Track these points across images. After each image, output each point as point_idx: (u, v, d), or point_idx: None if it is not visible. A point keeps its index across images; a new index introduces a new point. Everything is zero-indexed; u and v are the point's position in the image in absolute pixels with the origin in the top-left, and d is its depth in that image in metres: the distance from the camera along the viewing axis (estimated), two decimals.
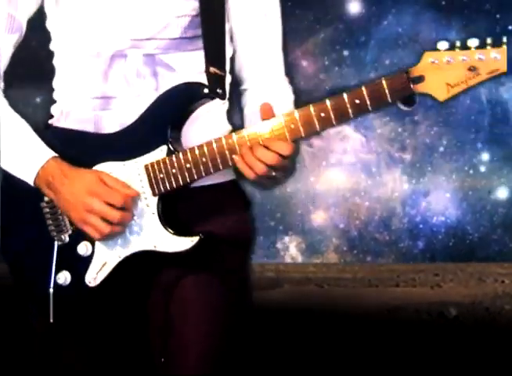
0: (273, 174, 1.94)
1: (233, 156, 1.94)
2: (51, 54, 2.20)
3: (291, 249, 10.53)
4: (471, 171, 9.70)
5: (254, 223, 2.24)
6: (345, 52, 9.47)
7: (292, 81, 2.23)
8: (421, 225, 9.98)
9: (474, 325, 6.39)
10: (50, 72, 2.23)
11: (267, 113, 1.94)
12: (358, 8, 9.26)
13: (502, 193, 9.74)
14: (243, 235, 2.18)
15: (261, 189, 2.06)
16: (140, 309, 2.12)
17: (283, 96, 2.19)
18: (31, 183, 2.04)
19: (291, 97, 2.20)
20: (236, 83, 2.21)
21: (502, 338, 5.68)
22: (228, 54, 2.17)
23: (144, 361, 2.14)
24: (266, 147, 1.92)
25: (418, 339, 5.58)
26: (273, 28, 2.19)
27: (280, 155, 1.91)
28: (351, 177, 9.84)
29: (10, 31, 2.11)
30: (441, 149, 9.69)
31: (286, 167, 1.96)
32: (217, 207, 2.10)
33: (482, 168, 9.70)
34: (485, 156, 9.66)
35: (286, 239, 10.57)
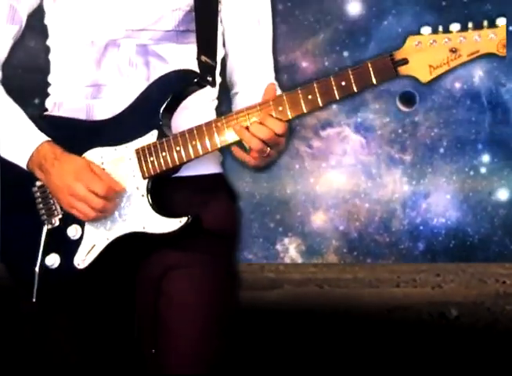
0: (268, 150, 2.00)
1: (234, 126, 2.00)
2: (47, 50, 2.25)
3: (291, 251, 10.52)
4: (472, 173, 9.68)
5: (241, 216, 2.29)
6: (345, 53, 9.46)
7: (280, 85, 2.25)
8: (421, 227, 9.95)
9: (476, 326, 6.36)
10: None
11: (269, 92, 2.02)
12: (358, 8, 9.24)
13: (502, 195, 9.72)
14: (229, 226, 2.22)
15: (254, 170, 2.11)
16: (128, 292, 2.17)
17: None
18: (24, 166, 2.10)
19: None
20: (228, 87, 2.30)
21: (503, 338, 5.66)
22: (220, 54, 2.24)
23: (132, 345, 2.18)
24: (261, 123, 1.98)
25: (419, 340, 5.57)
26: (265, 33, 2.26)
27: (275, 133, 1.98)
28: (351, 178, 9.82)
29: (11, 22, 2.16)
30: (442, 150, 9.67)
31: (281, 144, 2.03)
32: (203, 198, 2.15)
33: (483, 170, 9.68)
34: (486, 157, 9.63)
35: (286, 240, 10.57)
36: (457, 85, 9.35)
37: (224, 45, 2.25)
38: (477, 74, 9.29)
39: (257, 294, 6.79)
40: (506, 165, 9.55)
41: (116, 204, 2.05)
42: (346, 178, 9.86)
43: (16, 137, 2.10)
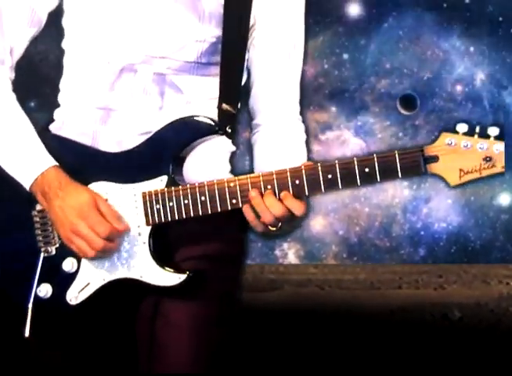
0: (279, 226, 1.90)
1: (250, 191, 1.89)
2: (62, 52, 2.16)
3: (290, 256, 10.50)
4: None
5: (248, 246, 2.18)
6: (345, 56, 9.43)
7: (303, 120, 2.16)
8: (422, 232, 9.93)
9: (478, 327, 6.32)
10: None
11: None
12: (358, 10, 9.21)
13: (504, 199, 9.70)
14: (236, 253, 2.13)
15: (263, 237, 2.00)
16: (124, 331, 2.10)
17: (295, 136, 2.12)
18: (27, 188, 2.01)
19: (303, 137, 2.14)
20: (251, 115, 2.17)
21: (506, 339, 5.62)
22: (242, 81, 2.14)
23: None
24: (280, 200, 1.87)
25: (422, 341, 5.53)
26: (295, 66, 2.16)
27: (292, 213, 1.87)
28: None
29: (30, 25, 2.09)
30: None
31: (296, 222, 1.92)
32: (210, 226, 2.03)
33: None
34: None
35: (285, 245, 10.57)
36: (458, 88, 9.33)
37: (248, 70, 2.14)
38: (479, 77, 9.27)
39: (257, 295, 6.73)
40: (508, 170, 9.50)
41: (116, 245, 1.97)
42: None
43: (24, 156, 2.02)
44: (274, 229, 1.92)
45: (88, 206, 1.96)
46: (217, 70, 2.06)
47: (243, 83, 2.15)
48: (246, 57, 2.12)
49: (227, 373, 2.09)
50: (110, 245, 1.96)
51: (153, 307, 2.04)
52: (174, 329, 2.04)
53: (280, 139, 2.09)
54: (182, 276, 1.95)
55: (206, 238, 2.05)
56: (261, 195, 1.89)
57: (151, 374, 2.06)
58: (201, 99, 2.06)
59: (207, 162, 2.08)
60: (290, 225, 1.93)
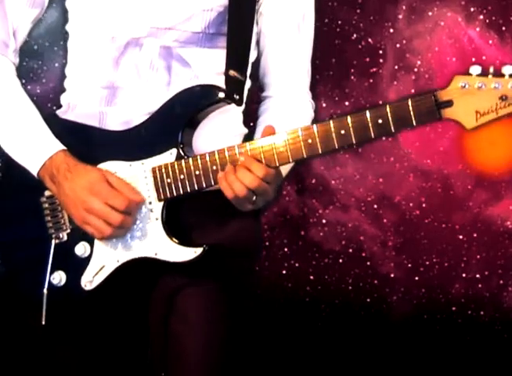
0: (253, 198, 1.85)
1: (218, 174, 1.86)
2: (66, 35, 2.12)
3: None
4: None
5: (261, 231, 2.16)
6: None
7: (314, 99, 2.14)
8: None
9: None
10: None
11: (267, 134, 1.86)
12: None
13: None
14: (249, 244, 2.08)
15: (237, 208, 1.91)
16: (139, 316, 2.06)
17: (303, 111, 2.11)
18: (35, 174, 1.97)
19: (311, 114, 2.12)
20: (259, 88, 2.14)
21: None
22: (252, 58, 2.08)
23: (143, 367, 2.10)
24: (249, 169, 1.83)
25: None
26: (304, 38, 2.11)
27: (261, 179, 1.82)
28: None
29: (31, 5, 2.06)
30: None
31: (268, 193, 1.86)
32: (223, 215, 2.00)
33: None
34: None
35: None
36: None
37: (258, 45, 2.09)
38: None
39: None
40: None
41: (133, 219, 1.92)
42: None
43: (30, 141, 1.98)
44: (250, 201, 1.86)
45: (99, 182, 1.92)
46: (225, 41, 1.99)
47: (254, 58, 2.11)
48: (256, 31, 2.07)
49: (241, 368, 2.06)
50: (128, 219, 1.91)
51: (166, 304, 2.00)
52: (189, 325, 1.99)
53: (286, 112, 2.06)
54: (198, 250, 1.90)
55: (217, 224, 2.01)
56: (234, 168, 1.83)
57: (165, 370, 2.02)
58: (209, 73, 2.00)
59: (221, 130, 2.03)
60: (263, 197, 1.87)
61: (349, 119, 1.77)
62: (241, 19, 2.00)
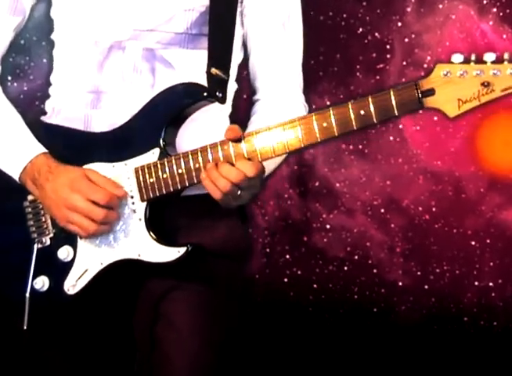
0: (238, 193, 1.85)
1: (201, 174, 1.86)
2: (52, 45, 2.14)
3: None
4: None
5: (249, 235, 2.21)
6: None
7: (307, 101, 2.14)
8: None
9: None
10: None
11: (232, 134, 1.86)
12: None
13: None
14: (236, 246, 2.09)
15: (224, 206, 1.91)
16: (124, 321, 2.06)
17: (292, 112, 2.03)
18: (16, 178, 1.98)
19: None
20: (252, 92, 2.14)
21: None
22: (237, 60, 2.10)
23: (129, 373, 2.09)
24: (232, 164, 1.84)
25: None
26: (292, 39, 2.11)
27: (245, 172, 1.83)
28: None
29: (13, 13, 2.07)
30: None
31: (253, 186, 1.87)
32: (208, 219, 2.02)
33: None
34: None
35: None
36: None
37: (245, 48, 2.11)
38: None
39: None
40: None
41: (117, 215, 1.92)
42: None
43: (11, 146, 2.00)
44: (235, 197, 1.86)
45: (79, 179, 1.90)
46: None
47: (240, 59, 2.10)
48: (242, 33, 2.06)
49: (232, 373, 2.04)
50: (111, 214, 1.89)
51: (152, 310, 2.00)
52: (175, 331, 1.98)
53: (274, 114, 2.01)
54: (182, 250, 1.89)
55: (202, 229, 2.00)
56: (216, 165, 1.84)
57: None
58: (193, 74, 2.00)
59: (204, 131, 2.00)
60: (248, 191, 1.86)
61: (331, 111, 1.79)
62: (223, 17, 2.02)
